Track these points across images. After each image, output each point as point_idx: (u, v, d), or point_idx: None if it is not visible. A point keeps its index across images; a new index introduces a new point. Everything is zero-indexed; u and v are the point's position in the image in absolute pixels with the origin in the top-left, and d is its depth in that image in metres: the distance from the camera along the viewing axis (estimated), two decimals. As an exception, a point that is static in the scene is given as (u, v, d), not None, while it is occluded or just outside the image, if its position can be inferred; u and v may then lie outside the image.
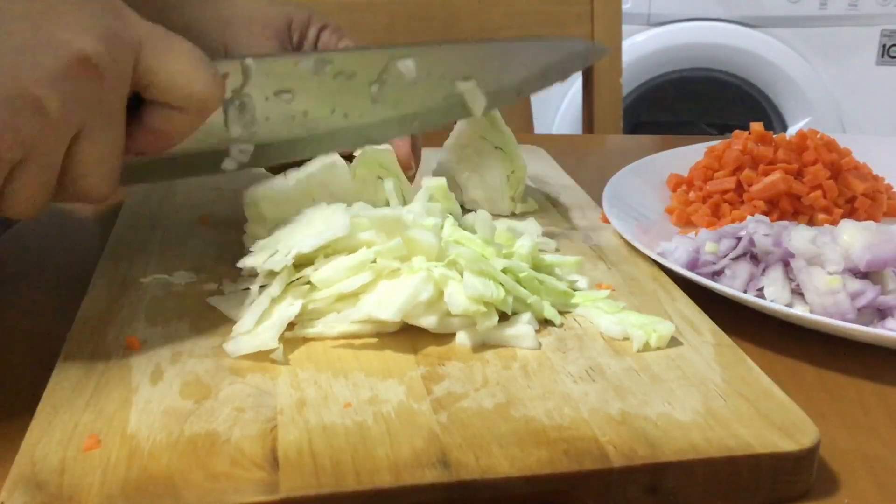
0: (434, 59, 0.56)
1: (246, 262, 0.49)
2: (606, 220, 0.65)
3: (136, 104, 0.44)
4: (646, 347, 0.46)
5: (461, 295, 0.46)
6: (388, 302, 0.45)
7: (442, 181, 0.58)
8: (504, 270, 0.49)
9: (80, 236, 0.72)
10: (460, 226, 0.53)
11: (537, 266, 0.52)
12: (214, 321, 0.48)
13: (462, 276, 0.47)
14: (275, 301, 0.47)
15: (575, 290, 0.52)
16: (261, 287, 0.48)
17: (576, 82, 2.25)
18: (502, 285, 0.47)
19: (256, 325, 0.46)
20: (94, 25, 0.40)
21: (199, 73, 0.44)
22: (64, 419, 0.39)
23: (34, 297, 0.58)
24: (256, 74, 0.51)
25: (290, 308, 0.46)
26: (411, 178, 0.66)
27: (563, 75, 0.62)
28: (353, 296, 0.47)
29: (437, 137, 0.72)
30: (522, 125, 1.26)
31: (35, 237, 0.71)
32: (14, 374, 0.48)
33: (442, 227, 0.51)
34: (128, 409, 0.40)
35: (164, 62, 0.43)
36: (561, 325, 0.49)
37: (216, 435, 0.38)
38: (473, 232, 0.52)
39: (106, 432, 0.38)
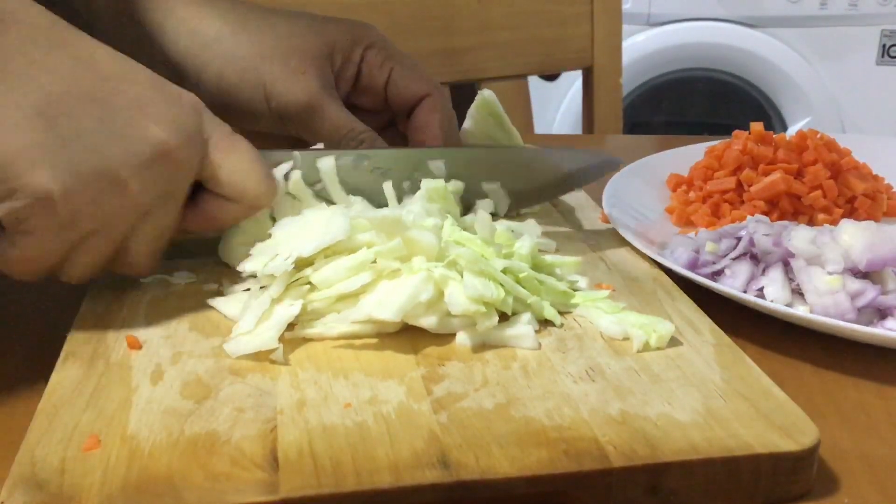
0: (463, 160, 0.60)
1: (245, 267, 0.49)
2: (606, 220, 0.65)
3: (194, 189, 0.49)
4: (646, 347, 0.46)
5: (461, 295, 0.46)
6: (388, 302, 0.45)
7: (440, 182, 0.58)
8: (504, 271, 0.49)
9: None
10: (459, 226, 0.53)
11: (537, 266, 0.52)
12: (214, 321, 0.48)
13: (462, 277, 0.47)
14: (274, 301, 0.47)
15: (575, 290, 0.52)
16: (261, 287, 0.48)
17: (576, 82, 2.25)
18: (502, 285, 0.47)
19: (256, 325, 0.46)
20: (179, 122, 0.45)
21: (255, 173, 0.49)
22: (64, 419, 0.39)
23: (34, 297, 0.58)
24: (301, 165, 0.55)
25: (290, 308, 0.46)
26: None
27: (580, 183, 0.66)
28: (353, 296, 0.47)
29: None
30: (522, 125, 1.26)
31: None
32: (14, 374, 0.48)
33: (441, 228, 0.51)
34: (128, 409, 0.40)
35: (227, 160, 0.48)
36: (561, 326, 0.49)
37: (216, 435, 0.38)
38: (473, 232, 0.52)
39: (106, 432, 0.38)
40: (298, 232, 0.50)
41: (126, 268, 0.48)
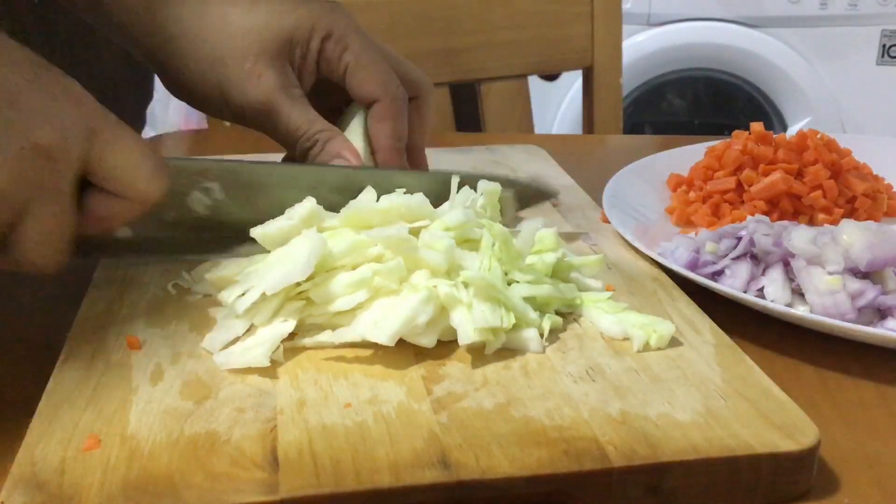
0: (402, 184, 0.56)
1: (222, 296, 0.48)
2: (606, 220, 0.65)
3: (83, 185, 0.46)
4: (646, 347, 0.46)
5: (469, 325, 0.44)
6: (384, 324, 0.44)
7: (496, 186, 0.57)
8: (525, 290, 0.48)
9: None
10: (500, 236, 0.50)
11: (558, 268, 0.52)
12: (214, 321, 0.48)
13: (469, 294, 0.46)
14: (267, 321, 0.46)
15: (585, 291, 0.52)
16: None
17: (576, 82, 2.25)
18: (513, 311, 0.46)
19: (246, 337, 0.45)
20: (54, 114, 0.42)
21: (143, 166, 0.45)
22: (64, 419, 0.39)
23: (34, 297, 0.58)
24: (219, 175, 0.53)
25: (283, 325, 0.46)
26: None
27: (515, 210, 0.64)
28: (352, 311, 0.47)
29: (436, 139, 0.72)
30: (522, 125, 1.26)
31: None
32: (14, 374, 0.48)
33: (453, 249, 0.49)
34: (128, 409, 0.40)
35: (112, 153, 0.44)
36: (562, 326, 0.49)
37: (216, 435, 0.38)
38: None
39: (106, 432, 0.38)
40: (275, 264, 0.48)
41: (26, 266, 0.45)
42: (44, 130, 0.42)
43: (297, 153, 0.59)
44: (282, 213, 0.52)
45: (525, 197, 0.64)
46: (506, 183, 0.61)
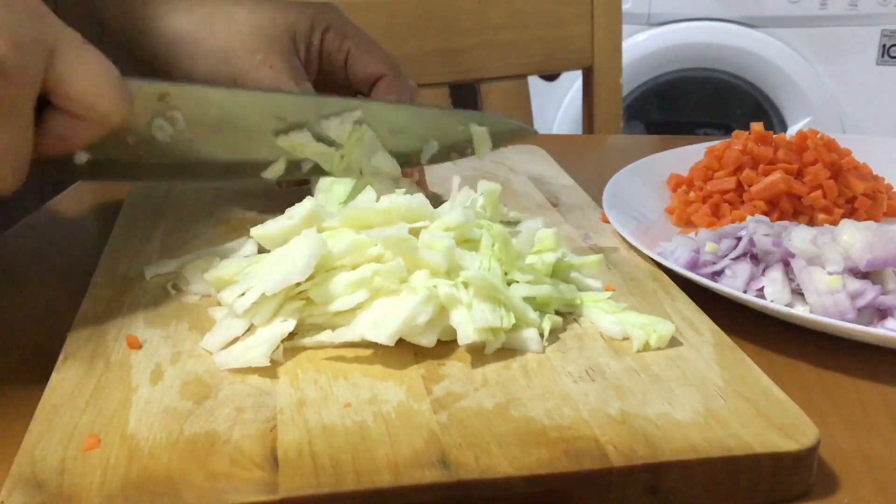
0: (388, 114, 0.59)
1: (222, 296, 0.48)
2: (606, 220, 0.65)
3: (43, 105, 0.44)
4: (646, 347, 0.46)
5: (469, 325, 0.45)
6: (384, 324, 0.44)
7: (496, 187, 0.57)
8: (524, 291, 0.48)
9: (80, 236, 0.72)
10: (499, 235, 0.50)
11: (558, 268, 0.52)
12: (214, 322, 0.48)
13: (469, 294, 0.46)
14: (266, 321, 0.46)
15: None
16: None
17: (576, 82, 2.25)
18: (513, 311, 0.46)
19: (246, 337, 0.45)
20: (9, 28, 0.40)
21: (105, 86, 0.44)
22: (64, 419, 0.39)
23: (34, 297, 0.58)
24: (181, 99, 0.52)
25: (283, 325, 0.46)
26: (422, 184, 0.66)
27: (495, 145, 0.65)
28: (352, 311, 0.47)
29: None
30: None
31: (35, 237, 0.71)
32: (14, 374, 0.48)
33: (453, 250, 0.49)
34: (128, 409, 0.40)
35: (73, 72, 0.43)
36: (562, 326, 0.49)
37: (216, 435, 0.38)
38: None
39: (106, 432, 0.38)
40: (275, 264, 0.48)
41: None
42: (1, 46, 0.40)
43: None
44: (246, 142, 0.53)
45: (500, 134, 0.64)
46: (480, 119, 0.62)
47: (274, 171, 0.59)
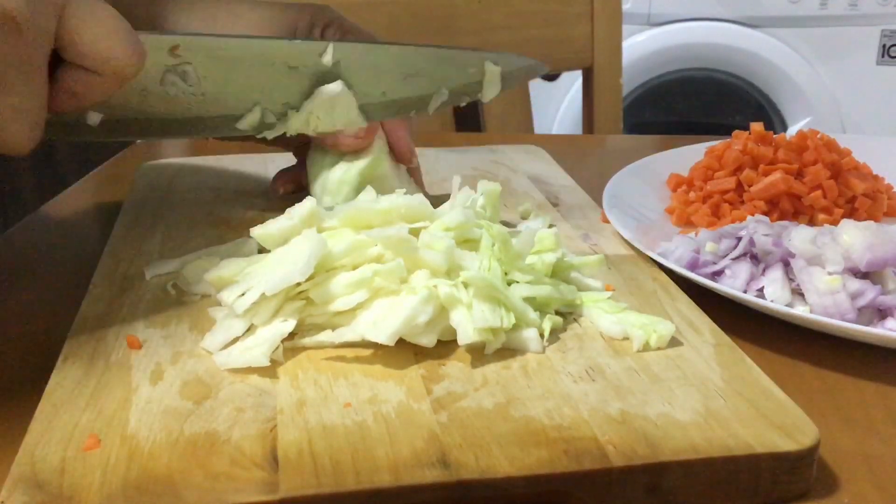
0: (397, 56, 0.59)
1: (221, 296, 0.48)
2: (606, 220, 0.65)
3: (57, 63, 0.44)
4: (646, 347, 0.46)
5: (469, 325, 0.45)
6: (384, 324, 0.44)
7: (496, 187, 0.57)
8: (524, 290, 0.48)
9: (80, 236, 0.72)
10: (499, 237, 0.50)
11: (558, 268, 0.52)
12: (214, 322, 0.48)
13: (469, 294, 0.46)
14: (266, 321, 0.46)
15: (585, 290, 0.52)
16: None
17: (576, 82, 2.25)
18: (513, 311, 0.46)
19: (246, 337, 0.45)
20: None
21: (119, 40, 0.44)
22: (64, 419, 0.39)
23: (34, 297, 0.58)
24: (192, 51, 0.52)
25: (283, 325, 0.45)
26: (418, 179, 0.66)
27: (507, 85, 0.64)
28: (352, 311, 0.47)
29: (423, 137, 0.72)
30: (522, 125, 1.26)
31: (35, 237, 0.71)
32: (14, 374, 0.48)
33: (453, 250, 0.49)
34: (128, 409, 0.40)
35: (86, 26, 0.43)
36: (562, 326, 0.49)
37: (216, 435, 0.38)
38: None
39: (106, 432, 0.38)
40: (275, 264, 0.48)
41: (1, 146, 0.43)
42: (10, 0, 0.40)
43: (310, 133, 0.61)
44: (259, 93, 0.53)
45: (511, 73, 0.64)
46: (494, 58, 0.62)
47: (248, 122, 0.57)
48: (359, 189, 0.60)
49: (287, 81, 0.55)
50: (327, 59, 0.56)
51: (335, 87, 0.57)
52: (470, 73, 0.62)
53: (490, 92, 0.63)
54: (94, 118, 0.52)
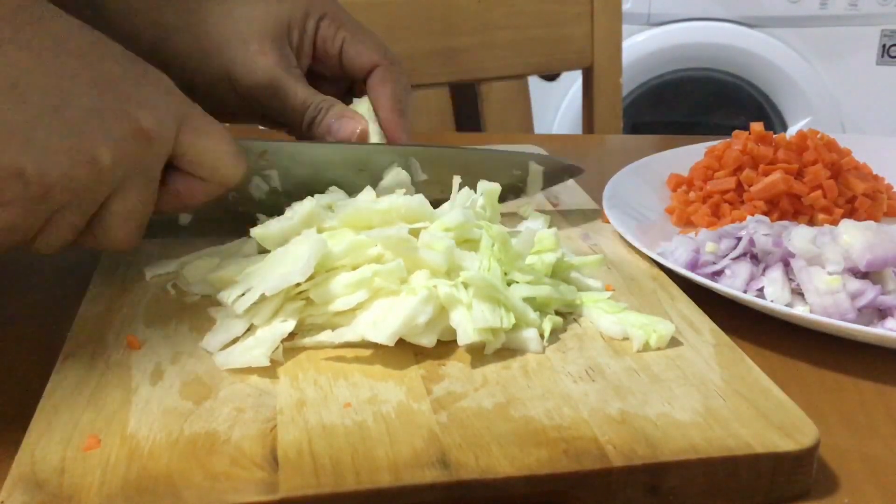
0: (433, 158, 0.62)
1: (221, 297, 0.48)
2: (606, 220, 0.65)
3: (165, 167, 0.49)
4: (646, 347, 0.46)
5: (469, 325, 0.45)
6: (384, 324, 0.44)
7: (496, 187, 0.57)
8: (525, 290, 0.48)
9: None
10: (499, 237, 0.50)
11: (558, 267, 0.52)
12: (214, 321, 0.48)
13: (469, 294, 0.46)
14: (266, 321, 0.46)
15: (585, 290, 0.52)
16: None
17: (576, 82, 2.25)
18: (513, 311, 0.46)
19: (246, 337, 0.45)
20: (151, 101, 0.46)
21: (226, 153, 0.50)
22: (64, 419, 0.39)
23: (34, 297, 0.58)
24: (277, 155, 0.58)
25: (283, 325, 0.46)
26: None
27: (543, 187, 0.67)
28: (352, 311, 0.47)
29: (423, 137, 0.72)
30: (522, 125, 1.26)
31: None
32: (14, 374, 0.48)
33: (453, 250, 0.49)
34: (128, 409, 0.40)
35: (199, 139, 0.49)
36: (562, 326, 0.49)
37: (216, 435, 0.38)
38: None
39: (106, 432, 0.38)
40: (275, 265, 0.48)
41: (106, 243, 0.48)
42: (146, 117, 0.46)
43: (303, 126, 0.62)
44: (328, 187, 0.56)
45: (552, 173, 0.67)
46: (538, 159, 0.65)
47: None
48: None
49: (355, 178, 0.59)
50: (387, 180, 0.60)
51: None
52: (516, 172, 0.65)
53: (533, 189, 0.66)
54: (185, 218, 0.58)
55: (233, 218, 0.58)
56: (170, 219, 0.57)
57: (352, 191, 0.57)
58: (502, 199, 0.62)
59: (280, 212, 0.54)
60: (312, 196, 0.54)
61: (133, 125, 0.45)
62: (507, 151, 0.65)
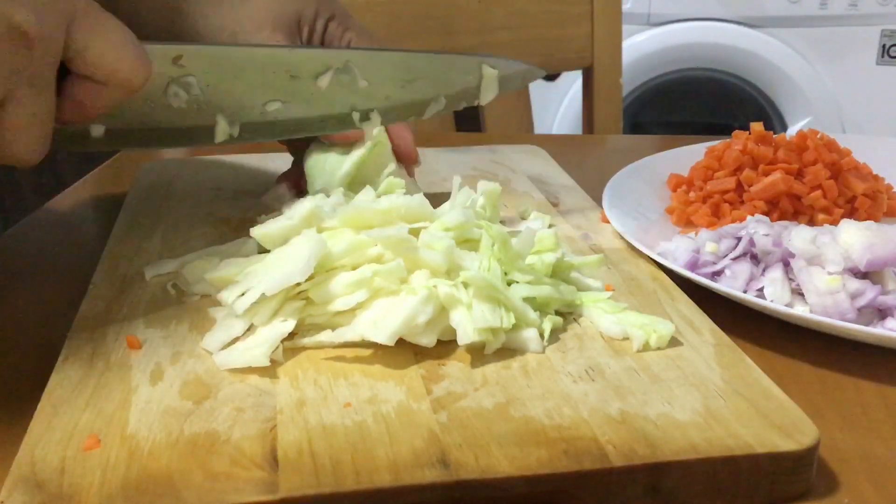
0: (396, 63, 0.60)
1: (222, 296, 0.48)
2: (606, 220, 0.65)
3: (63, 74, 0.45)
4: (646, 347, 0.46)
5: (469, 325, 0.45)
6: (384, 324, 0.44)
7: (496, 187, 0.57)
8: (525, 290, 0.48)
9: (80, 236, 0.72)
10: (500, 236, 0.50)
11: (558, 267, 0.52)
12: (214, 322, 0.48)
13: (469, 294, 0.46)
14: (266, 321, 0.46)
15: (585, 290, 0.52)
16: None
17: (576, 82, 2.25)
18: (513, 311, 0.46)
19: (246, 337, 0.45)
20: None
21: (126, 52, 0.45)
22: (64, 419, 0.39)
23: (34, 297, 0.58)
24: (195, 60, 0.53)
25: (283, 325, 0.46)
26: (412, 173, 0.66)
27: (505, 88, 0.65)
28: (351, 311, 0.47)
29: (423, 137, 0.72)
30: (522, 125, 1.26)
31: (35, 237, 0.71)
32: (14, 374, 0.48)
33: (453, 250, 0.49)
34: (127, 409, 0.40)
35: (94, 38, 0.44)
36: (562, 326, 0.49)
37: (216, 435, 0.38)
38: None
39: (106, 432, 0.38)
40: (275, 264, 0.48)
41: (10, 159, 0.44)
42: (21, 13, 0.40)
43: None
44: (261, 97, 0.54)
45: (508, 77, 0.64)
46: (492, 62, 0.63)
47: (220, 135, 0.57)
48: (358, 177, 0.60)
49: (288, 86, 0.56)
50: (323, 82, 0.57)
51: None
52: (468, 77, 0.62)
53: (487, 95, 0.63)
54: (98, 129, 0.52)
55: (151, 129, 0.54)
56: (81, 130, 0.52)
57: (288, 98, 0.55)
58: (454, 105, 0.61)
59: (204, 123, 0.52)
60: (240, 107, 0.52)
61: (6, 26, 0.40)
62: (457, 54, 0.63)
